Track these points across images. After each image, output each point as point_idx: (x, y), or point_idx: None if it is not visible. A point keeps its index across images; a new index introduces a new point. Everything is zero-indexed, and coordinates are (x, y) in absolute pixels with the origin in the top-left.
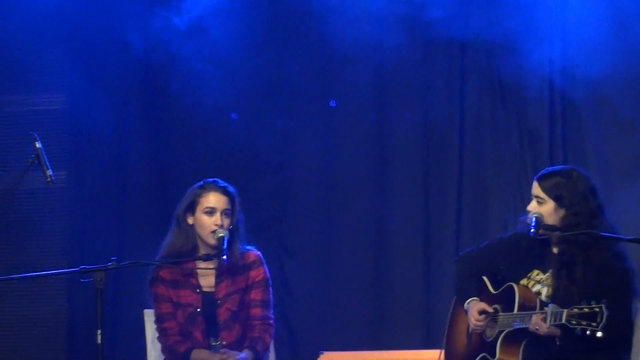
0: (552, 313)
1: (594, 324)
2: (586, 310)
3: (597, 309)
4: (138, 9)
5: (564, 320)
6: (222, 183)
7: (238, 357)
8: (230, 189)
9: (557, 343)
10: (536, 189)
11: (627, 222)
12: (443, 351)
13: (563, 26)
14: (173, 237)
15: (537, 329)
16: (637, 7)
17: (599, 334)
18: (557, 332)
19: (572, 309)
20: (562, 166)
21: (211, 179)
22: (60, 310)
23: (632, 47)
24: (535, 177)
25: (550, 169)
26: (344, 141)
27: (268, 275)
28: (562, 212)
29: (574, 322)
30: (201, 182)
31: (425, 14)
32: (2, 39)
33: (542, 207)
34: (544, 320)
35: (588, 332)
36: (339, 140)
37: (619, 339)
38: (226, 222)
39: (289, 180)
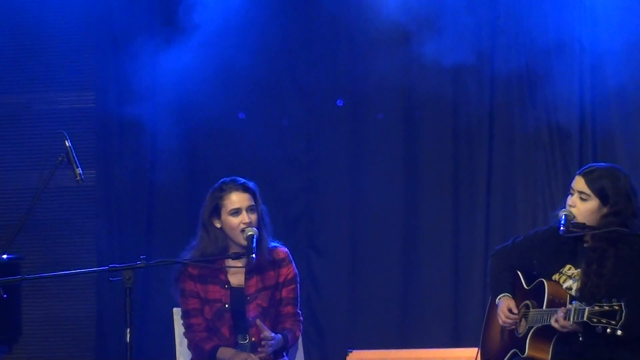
0: (575, 310)
1: (613, 322)
2: (606, 308)
3: (616, 307)
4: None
5: (585, 318)
6: (240, 180)
7: (271, 341)
8: (250, 184)
9: (580, 340)
10: (580, 183)
11: None
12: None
13: (593, 22)
14: (203, 243)
15: (560, 325)
16: None
17: (619, 332)
18: (579, 329)
19: (593, 307)
20: (606, 164)
21: (228, 179)
22: (89, 309)
23: None
24: (579, 172)
25: (596, 165)
26: (371, 138)
27: (297, 272)
28: (604, 210)
29: (594, 320)
30: (219, 183)
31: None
32: (32, 38)
33: (585, 204)
34: (567, 317)
35: (608, 330)
36: (366, 137)
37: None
38: (253, 217)
39: (316, 178)
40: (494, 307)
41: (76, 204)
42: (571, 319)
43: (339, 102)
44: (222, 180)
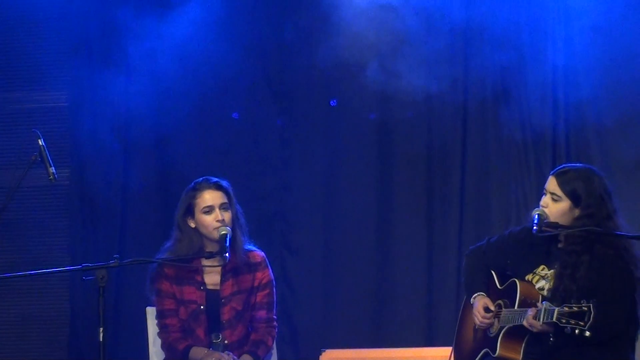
0: (544, 311)
1: (582, 323)
2: (575, 309)
3: (585, 308)
4: (139, 8)
5: (554, 319)
6: (213, 179)
7: None
8: (223, 183)
9: (551, 340)
10: (552, 184)
11: (630, 222)
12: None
13: (566, 25)
14: (178, 244)
15: (529, 325)
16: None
17: (587, 333)
18: (549, 329)
19: (562, 308)
20: (581, 164)
21: (201, 178)
22: (62, 308)
23: (634, 46)
24: (552, 172)
25: (569, 166)
26: (345, 139)
27: (273, 276)
28: (577, 211)
29: (563, 321)
30: (192, 184)
31: (428, 13)
32: (4, 37)
33: (556, 205)
34: (537, 317)
35: (577, 331)
36: (340, 138)
37: (615, 339)
38: (226, 215)
39: (291, 178)
40: (468, 306)
41: (49, 203)
42: (541, 319)
43: (332, 102)
44: (195, 181)
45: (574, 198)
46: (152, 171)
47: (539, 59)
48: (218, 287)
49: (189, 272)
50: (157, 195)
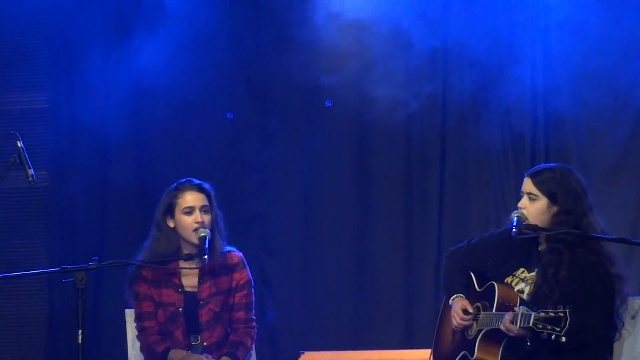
0: (521, 315)
1: (558, 329)
2: (552, 314)
3: (561, 314)
4: (119, 11)
5: (531, 324)
6: (196, 181)
7: None
8: (205, 185)
9: (528, 345)
10: (528, 185)
11: (609, 224)
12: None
13: (545, 30)
14: (155, 242)
15: (506, 329)
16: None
17: (563, 339)
18: (527, 334)
19: (539, 313)
20: (555, 164)
21: (184, 179)
22: (40, 310)
23: (612, 50)
24: (527, 174)
25: (543, 166)
26: (324, 140)
27: (251, 277)
28: (554, 209)
29: (540, 326)
30: (175, 184)
31: (407, 19)
32: None
33: (534, 204)
34: (514, 322)
35: (553, 337)
36: (320, 139)
37: (593, 344)
38: (206, 218)
39: (270, 180)
40: (447, 307)
41: (28, 204)
42: (518, 324)
43: (328, 103)
44: (178, 181)
45: (550, 195)
46: (131, 173)
47: (519, 60)
48: (196, 289)
49: (167, 274)
50: (136, 198)
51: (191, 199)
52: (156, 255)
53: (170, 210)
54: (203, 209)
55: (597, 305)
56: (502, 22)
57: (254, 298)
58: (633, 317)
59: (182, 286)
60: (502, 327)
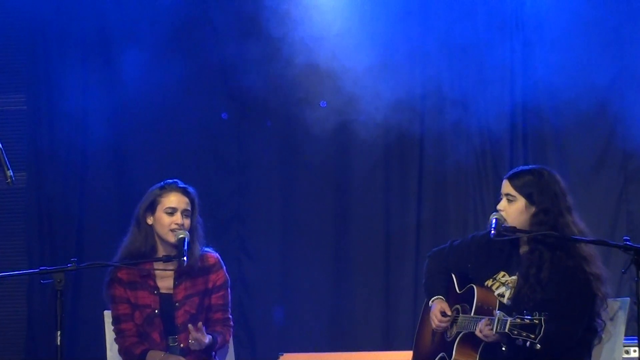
0: (498, 321)
1: (533, 336)
2: (527, 321)
3: (536, 321)
4: (101, 7)
5: (507, 329)
6: (182, 184)
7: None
8: (191, 190)
9: (503, 350)
10: (507, 187)
11: (586, 224)
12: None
13: (523, 28)
14: (132, 237)
15: (483, 335)
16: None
17: (538, 346)
18: (502, 339)
19: (515, 319)
20: (533, 165)
21: (171, 180)
22: (19, 311)
23: (591, 47)
24: (505, 176)
25: (521, 168)
26: (303, 144)
27: (227, 277)
28: (532, 209)
29: (515, 332)
30: (161, 183)
31: (387, 25)
32: None
33: (512, 205)
34: (490, 327)
35: (528, 344)
36: (298, 143)
37: (570, 350)
38: (186, 222)
39: (248, 181)
40: (427, 308)
41: (6, 205)
42: (494, 329)
43: (322, 104)
44: (165, 180)
45: (528, 196)
46: (110, 175)
47: (496, 65)
48: (171, 291)
49: (142, 276)
50: (115, 199)
51: (175, 200)
52: (131, 251)
53: (152, 208)
54: (184, 213)
55: (576, 310)
56: (479, 25)
57: (230, 298)
58: (612, 319)
59: (157, 288)
60: (476, 332)
